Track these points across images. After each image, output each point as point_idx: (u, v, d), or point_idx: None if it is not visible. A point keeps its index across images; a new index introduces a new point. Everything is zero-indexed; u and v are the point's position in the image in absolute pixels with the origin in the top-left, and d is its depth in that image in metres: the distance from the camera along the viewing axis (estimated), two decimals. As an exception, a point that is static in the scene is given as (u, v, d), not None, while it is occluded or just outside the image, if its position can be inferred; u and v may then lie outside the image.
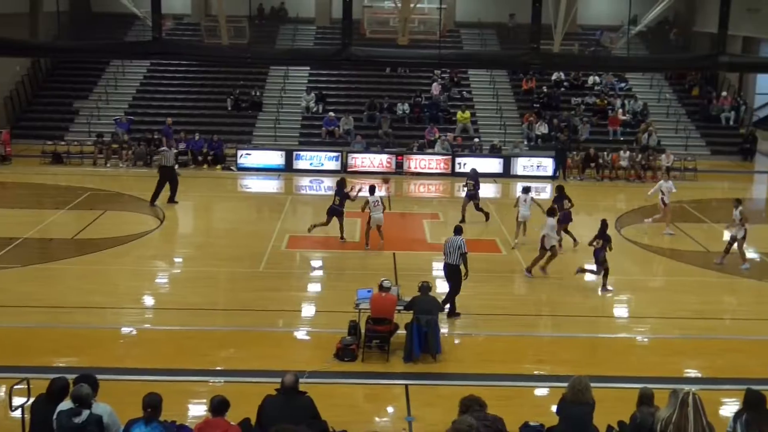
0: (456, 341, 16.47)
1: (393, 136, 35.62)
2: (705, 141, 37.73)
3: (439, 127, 35.83)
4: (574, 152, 33.20)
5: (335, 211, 22.54)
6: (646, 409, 10.05)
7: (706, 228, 25.54)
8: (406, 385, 14.25)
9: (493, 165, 32.68)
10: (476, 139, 34.87)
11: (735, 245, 21.37)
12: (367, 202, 21.96)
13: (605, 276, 19.38)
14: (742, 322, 17.91)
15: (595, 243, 19.49)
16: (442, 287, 18.21)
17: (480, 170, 31.94)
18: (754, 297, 19.89)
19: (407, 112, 37.50)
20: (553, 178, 32.15)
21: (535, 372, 15.20)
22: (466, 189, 25.53)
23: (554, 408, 10.51)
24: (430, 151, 33.78)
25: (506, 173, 32.32)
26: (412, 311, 15.20)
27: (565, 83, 40.02)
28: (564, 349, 16.36)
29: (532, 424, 10.94)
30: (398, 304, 15.51)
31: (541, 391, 14.49)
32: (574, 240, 22.57)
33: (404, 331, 15.22)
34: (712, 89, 41.16)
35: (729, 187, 32.27)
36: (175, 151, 29.75)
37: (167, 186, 26.46)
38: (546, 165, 32.49)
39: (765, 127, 41.76)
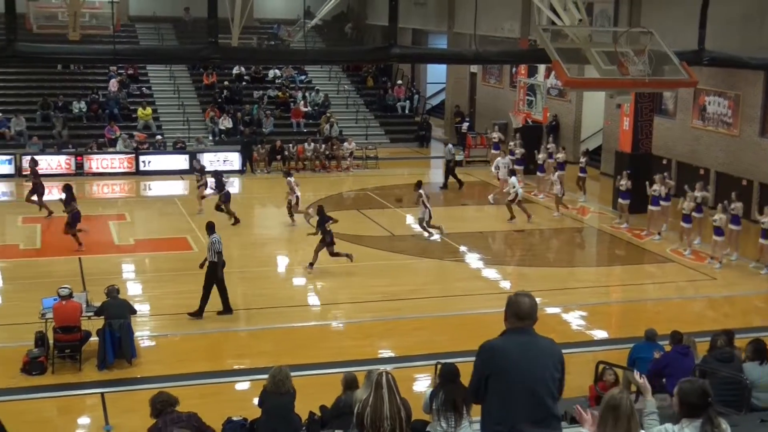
0: (152, 343, 16.03)
1: (70, 135, 33.96)
2: (384, 130, 39.24)
3: (119, 124, 34.59)
4: (260, 145, 33.37)
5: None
6: (351, 393, 10.30)
7: (390, 213, 26.55)
8: (102, 394, 13.69)
9: (179, 162, 32.13)
10: (159, 136, 34.08)
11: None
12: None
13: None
14: (428, 300, 18.77)
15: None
16: (132, 290, 17.70)
17: (166, 167, 31.60)
18: (437, 276, 20.96)
19: (84, 110, 35.89)
20: (241, 172, 32.15)
21: (235, 367, 15.14)
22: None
23: (256, 401, 10.48)
24: (111, 150, 32.58)
25: (193, 169, 31.82)
26: (103, 317, 14.60)
27: (246, 77, 40.10)
28: (262, 341, 16.43)
29: (235, 419, 10.85)
30: (87, 310, 14.83)
31: (241, 386, 14.45)
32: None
33: (97, 338, 14.59)
34: (387, 80, 42.96)
35: (408, 173, 33.79)
36: None
37: None
38: (232, 159, 32.40)
39: (437, 114, 44.30)
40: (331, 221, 20.36)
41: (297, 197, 24.13)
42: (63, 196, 21.60)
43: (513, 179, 25.52)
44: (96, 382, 14.09)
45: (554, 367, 6.17)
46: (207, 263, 17.00)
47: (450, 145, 30.95)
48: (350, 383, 10.44)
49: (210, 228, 17.34)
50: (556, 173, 26.35)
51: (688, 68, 14.72)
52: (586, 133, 34.90)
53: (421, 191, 22.83)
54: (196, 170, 26.79)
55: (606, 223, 25.89)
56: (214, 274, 16.86)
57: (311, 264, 20.10)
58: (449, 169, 30.19)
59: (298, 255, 22.05)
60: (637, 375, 7.17)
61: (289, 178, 24.52)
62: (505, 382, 6.11)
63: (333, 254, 20.16)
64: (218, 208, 24.33)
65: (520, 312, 6.12)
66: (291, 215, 24.28)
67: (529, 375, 6.08)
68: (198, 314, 16.91)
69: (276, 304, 18.24)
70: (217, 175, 25.38)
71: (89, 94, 36.57)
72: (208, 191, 25.56)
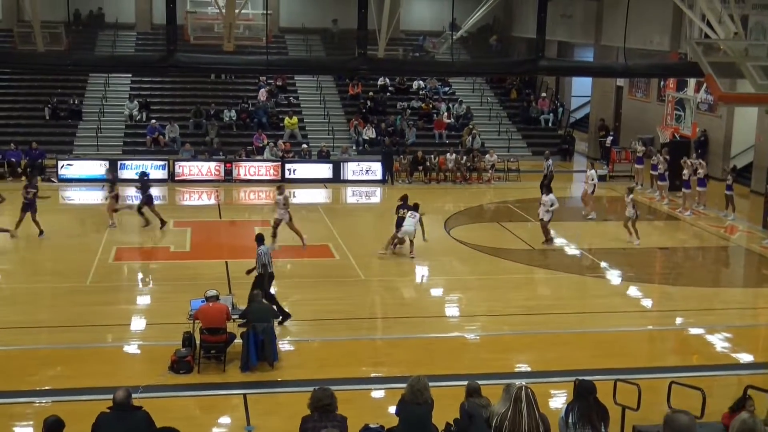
0: (293, 348, 16.40)
1: (221, 143, 35.17)
2: (526, 142, 38.99)
3: (267, 133, 35.59)
4: (402, 156, 33.68)
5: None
6: (474, 400, 10.32)
7: (530, 226, 26.33)
8: (245, 395, 14.08)
9: (323, 170, 32.76)
10: (304, 145, 34.86)
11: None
12: None
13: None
14: (568, 316, 18.51)
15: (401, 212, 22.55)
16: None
17: (310, 176, 32.24)
18: (577, 291, 20.68)
19: (234, 118, 37.07)
20: (382, 182, 32.51)
21: (373, 374, 15.33)
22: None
23: (392, 409, 10.58)
24: (259, 157, 33.53)
25: (336, 178, 32.46)
26: (247, 320, 15.04)
27: (391, 88, 40.55)
28: (399, 350, 16.55)
29: (372, 426, 10.94)
30: (233, 312, 15.30)
31: (378, 393, 14.60)
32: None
33: (241, 341, 15.03)
34: (530, 92, 42.69)
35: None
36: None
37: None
38: (375, 169, 32.80)
39: (581, 128, 43.67)
40: (406, 210, 22.22)
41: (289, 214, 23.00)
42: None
43: (550, 197, 23.83)
44: (239, 383, 14.50)
45: None
46: (255, 274, 17.22)
47: (550, 161, 30.29)
48: (472, 391, 10.48)
49: (259, 239, 17.57)
50: (629, 196, 24.32)
51: None
52: (737, 149, 33.78)
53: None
54: (108, 180, 26.60)
55: (755, 242, 25.00)
56: (261, 286, 16.68)
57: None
58: (544, 184, 29.39)
59: (437, 265, 22.15)
60: None
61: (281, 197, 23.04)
62: None
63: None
64: (139, 210, 24.86)
65: (676, 428, 6.28)
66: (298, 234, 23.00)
67: None
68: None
69: (413, 314, 18.37)
70: (143, 175, 25.77)
71: (239, 103, 37.77)
72: (120, 203, 25.68)
